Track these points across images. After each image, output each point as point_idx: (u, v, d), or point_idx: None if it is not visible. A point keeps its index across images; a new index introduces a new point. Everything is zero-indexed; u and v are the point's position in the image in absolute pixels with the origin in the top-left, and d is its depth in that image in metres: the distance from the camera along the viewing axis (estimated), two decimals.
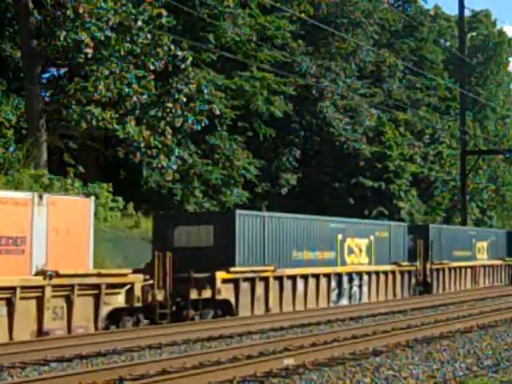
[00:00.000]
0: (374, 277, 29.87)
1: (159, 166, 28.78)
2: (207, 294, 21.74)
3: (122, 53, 26.30)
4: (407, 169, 45.81)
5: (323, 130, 42.73)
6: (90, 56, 25.53)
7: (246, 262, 23.50)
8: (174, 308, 20.69)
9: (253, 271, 23.60)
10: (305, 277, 25.86)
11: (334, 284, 27.50)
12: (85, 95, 25.83)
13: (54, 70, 30.11)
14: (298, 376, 12.02)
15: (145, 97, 27.10)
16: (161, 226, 23.56)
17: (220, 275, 22.05)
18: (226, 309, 22.76)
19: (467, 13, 63.67)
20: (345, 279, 28.10)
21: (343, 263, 28.37)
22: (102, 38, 25.25)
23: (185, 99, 28.83)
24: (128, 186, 31.91)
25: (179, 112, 28.61)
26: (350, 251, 28.91)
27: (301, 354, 13.59)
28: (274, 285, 24.40)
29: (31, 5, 26.12)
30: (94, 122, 25.74)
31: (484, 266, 39.68)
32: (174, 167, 29.68)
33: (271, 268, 24.18)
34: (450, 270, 35.82)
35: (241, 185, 35.86)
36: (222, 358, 13.50)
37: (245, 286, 23.38)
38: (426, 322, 20.27)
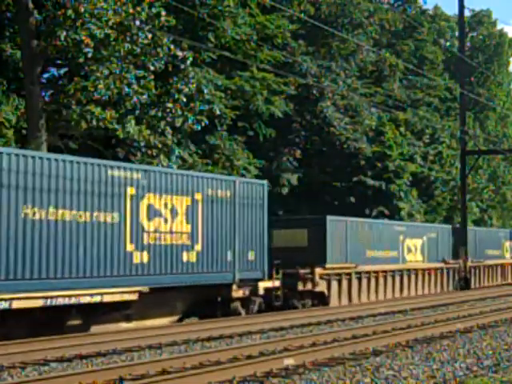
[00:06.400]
0: (426, 272, 35.21)
1: (159, 165, 28.79)
2: (309, 286, 26.46)
3: (122, 53, 26.23)
4: (407, 169, 45.74)
5: (324, 129, 42.68)
6: (89, 56, 25.48)
7: (334, 261, 28.19)
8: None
9: (340, 268, 28.40)
10: (375, 272, 30.93)
11: (397, 279, 32.72)
12: (85, 95, 25.78)
13: (54, 70, 30.07)
14: (298, 376, 12.03)
15: (145, 97, 27.05)
16: None
17: (318, 271, 26.71)
18: (320, 299, 27.35)
19: (468, 13, 63.82)
20: (405, 274, 33.29)
21: (403, 261, 33.54)
22: (102, 36, 25.17)
23: (185, 99, 28.80)
24: None
25: (179, 112, 28.58)
26: (409, 250, 33.98)
27: (301, 354, 13.60)
28: (354, 279, 29.46)
29: (31, 5, 26.06)
30: (94, 122, 25.68)
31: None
32: (174, 167, 29.68)
33: (353, 265, 29.15)
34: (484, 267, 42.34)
35: None
36: (222, 358, 13.50)
37: (334, 280, 28.17)
38: (426, 322, 20.28)
